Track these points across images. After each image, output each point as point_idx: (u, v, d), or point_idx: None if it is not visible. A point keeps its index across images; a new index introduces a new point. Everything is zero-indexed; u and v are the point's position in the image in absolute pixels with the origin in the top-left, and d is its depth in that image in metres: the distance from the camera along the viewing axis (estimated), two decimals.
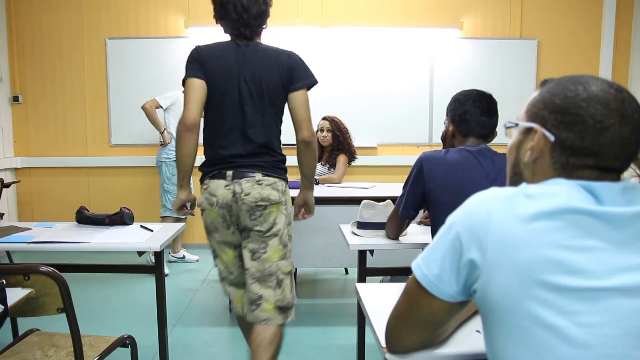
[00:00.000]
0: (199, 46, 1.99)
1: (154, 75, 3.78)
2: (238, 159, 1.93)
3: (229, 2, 1.95)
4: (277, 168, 1.99)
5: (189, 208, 2.10)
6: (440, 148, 1.92)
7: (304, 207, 2.17)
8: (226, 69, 1.92)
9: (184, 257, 4.28)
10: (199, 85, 1.91)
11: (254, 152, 1.94)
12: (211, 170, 1.96)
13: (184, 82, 1.95)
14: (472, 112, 1.82)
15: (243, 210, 1.91)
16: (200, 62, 1.92)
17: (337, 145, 3.72)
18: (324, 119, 3.75)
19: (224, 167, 1.93)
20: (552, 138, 0.84)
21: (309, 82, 1.98)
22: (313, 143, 2.00)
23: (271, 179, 1.95)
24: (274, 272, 1.93)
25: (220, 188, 1.92)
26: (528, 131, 0.90)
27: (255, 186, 1.91)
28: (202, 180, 2.00)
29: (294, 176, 4.35)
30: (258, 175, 1.92)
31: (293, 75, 1.95)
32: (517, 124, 0.92)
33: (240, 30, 1.98)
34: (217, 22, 2.06)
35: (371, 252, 2.19)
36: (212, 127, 1.98)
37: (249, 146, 1.93)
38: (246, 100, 1.92)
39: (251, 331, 1.95)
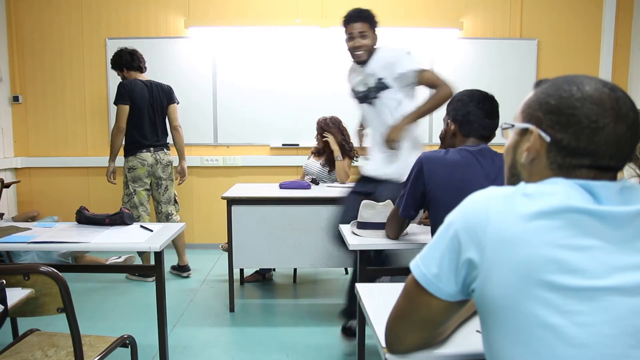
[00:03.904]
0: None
1: (154, 75, 3.78)
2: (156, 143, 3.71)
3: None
4: (168, 147, 3.81)
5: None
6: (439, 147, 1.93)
7: (181, 173, 3.87)
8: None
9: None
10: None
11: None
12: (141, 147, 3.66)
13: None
14: (476, 114, 1.82)
15: (159, 167, 3.70)
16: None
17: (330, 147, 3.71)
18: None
19: (149, 146, 3.66)
20: (547, 139, 0.85)
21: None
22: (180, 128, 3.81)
23: (168, 152, 3.78)
24: (172, 197, 3.82)
25: (148, 156, 3.64)
26: (524, 132, 0.90)
27: (165, 155, 3.74)
28: (133, 154, 3.62)
29: (290, 176, 4.35)
30: (165, 150, 3.75)
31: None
32: (513, 125, 0.92)
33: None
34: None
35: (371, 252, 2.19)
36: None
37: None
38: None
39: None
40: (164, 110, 3.74)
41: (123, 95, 3.55)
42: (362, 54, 2.52)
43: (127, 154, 3.64)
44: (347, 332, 2.63)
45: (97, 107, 4.59)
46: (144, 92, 3.62)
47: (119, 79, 4.09)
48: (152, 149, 3.66)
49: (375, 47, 2.56)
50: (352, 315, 2.55)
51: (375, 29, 2.56)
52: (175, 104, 3.81)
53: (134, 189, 3.64)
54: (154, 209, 3.87)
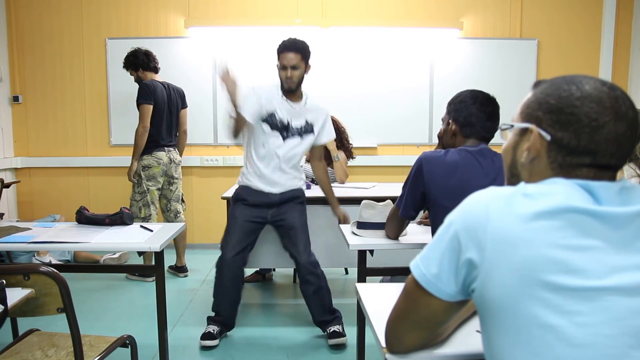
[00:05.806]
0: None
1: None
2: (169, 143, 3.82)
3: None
4: (176, 147, 3.91)
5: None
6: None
7: None
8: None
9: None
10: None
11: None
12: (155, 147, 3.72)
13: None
14: (479, 117, 1.81)
15: (173, 166, 3.81)
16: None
17: (337, 144, 3.72)
18: None
19: (164, 146, 3.76)
20: (548, 137, 0.85)
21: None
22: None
23: (177, 152, 3.90)
24: (180, 195, 3.93)
25: (163, 155, 3.73)
26: (524, 132, 0.90)
27: (177, 155, 3.86)
28: (149, 152, 3.68)
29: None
30: (175, 150, 3.86)
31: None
32: (512, 125, 0.93)
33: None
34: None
35: (371, 252, 2.19)
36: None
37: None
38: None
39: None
40: (178, 112, 3.86)
41: (148, 95, 3.60)
42: (292, 84, 2.73)
43: (143, 152, 3.68)
44: (334, 335, 2.70)
45: (97, 107, 4.59)
46: (164, 94, 3.70)
47: (119, 79, 4.11)
48: (166, 148, 3.75)
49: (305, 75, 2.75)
50: (329, 322, 2.75)
51: (309, 60, 2.74)
52: (186, 108, 3.95)
53: (148, 187, 3.69)
54: (160, 208, 3.90)
